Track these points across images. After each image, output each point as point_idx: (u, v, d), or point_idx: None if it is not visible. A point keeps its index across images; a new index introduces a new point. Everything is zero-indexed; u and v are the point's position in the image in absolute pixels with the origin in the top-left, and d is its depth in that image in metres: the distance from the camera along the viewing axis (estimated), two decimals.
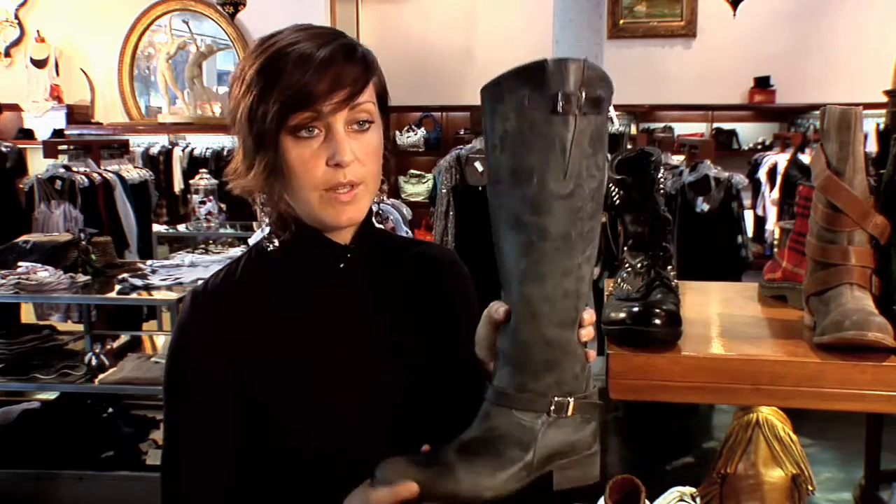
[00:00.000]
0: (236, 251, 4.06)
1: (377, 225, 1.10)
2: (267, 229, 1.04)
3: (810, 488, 1.39)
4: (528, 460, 0.81)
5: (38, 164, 5.14)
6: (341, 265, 1.02)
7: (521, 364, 0.82)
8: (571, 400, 0.83)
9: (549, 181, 0.77)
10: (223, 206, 4.94)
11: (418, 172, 7.14)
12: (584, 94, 0.77)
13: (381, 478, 0.81)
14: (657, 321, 1.05)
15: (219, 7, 6.13)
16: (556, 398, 0.82)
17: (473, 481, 0.79)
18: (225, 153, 6.12)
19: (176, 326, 1.00)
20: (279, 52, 0.92)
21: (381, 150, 0.99)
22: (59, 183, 4.28)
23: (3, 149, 4.83)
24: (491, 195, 0.82)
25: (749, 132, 7.19)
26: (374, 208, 1.05)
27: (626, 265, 1.21)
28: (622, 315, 1.09)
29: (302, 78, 0.90)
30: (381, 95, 1.00)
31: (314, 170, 0.93)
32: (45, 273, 3.16)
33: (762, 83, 6.84)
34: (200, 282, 1.03)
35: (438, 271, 1.12)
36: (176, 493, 0.99)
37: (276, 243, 1.02)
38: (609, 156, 1.01)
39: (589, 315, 0.87)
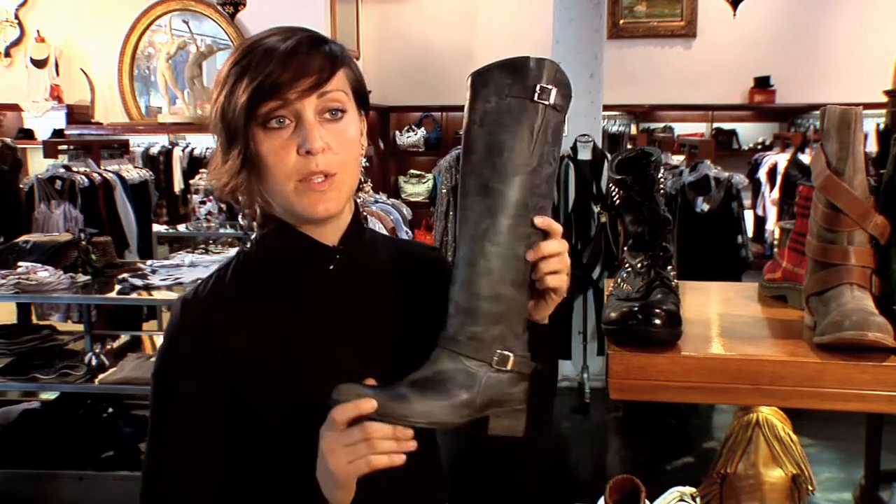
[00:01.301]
0: (236, 251, 4.06)
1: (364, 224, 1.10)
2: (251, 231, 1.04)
3: (810, 488, 1.39)
4: (471, 400, 0.90)
5: (38, 164, 5.14)
6: (330, 267, 1.02)
7: (473, 314, 0.91)
8: (512, 355, 0.91)
9: (516, 156, 0.90)
10: (223, 206, 4.94)
11: (418, 172, 7.15)
12: (554, 91, 0.90)
13: (339, 398, 0.87)
14: (657, 321, 1.05)
15: (219, 7, 6.13)
16: (499, 350, 0.91)
17: (424, 407, 0.88)
18: None
19: (165, 333, 1.00)
20: (248, 49, 0.94)
21: (357, 140, 0.98)
22: (59, 183, 4.29)
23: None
24: (463, 165, 0.93)
25: (749, 132, 7.19)
26: (360, 207, 1.05)
27: (626, 265, 1.21)
28: (622, 315, 1.09)
29: (266, 68, 0.91)
30: (358, 90, 1.00)
31: (285, 159, 0.93)
32: (45, 273, 3.16)
33: (762, 83, 6.84)
34: (189, 289, 1.03)
35: (425, 270, 1.11)
36: (158, 498, 0.99)
37: (252, 244, 1.02)
38: (609, 155, 1.04)
39: (552, 245, 0.91)
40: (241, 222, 1.03)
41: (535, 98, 0.89)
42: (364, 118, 1.02)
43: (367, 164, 1.11)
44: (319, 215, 0.96)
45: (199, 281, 1.04)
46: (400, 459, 0.87)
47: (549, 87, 0.90)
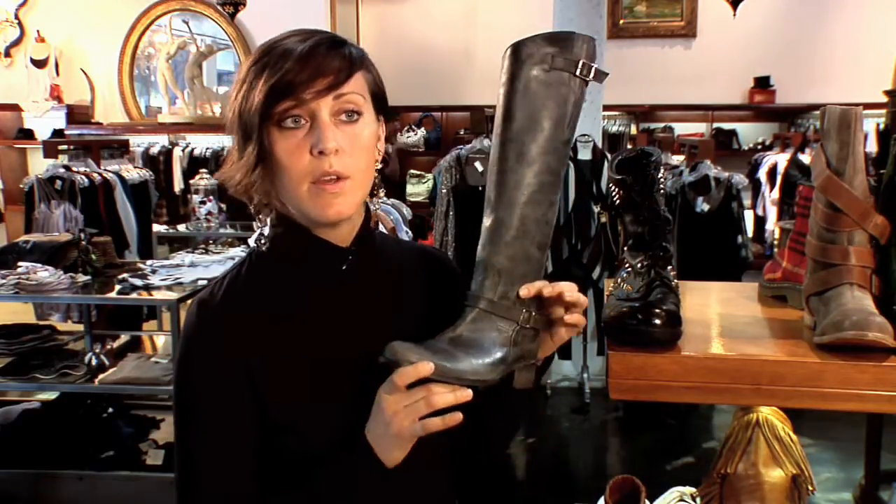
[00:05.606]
0: (236, 251, 4.06)
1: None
2: (264, 230, 1.04)
3: (810, 488, 1.38)
4: (505, 357, 0.94)
5: (38, 164, 5.14)
6: (343, 267, 1.02)
7: (508, 275, 0.95)
8: (533, 313, 0.96)
9: (556, 128, 0.94)
10: (223, 206, 4.94)
11: (418, 172, 7.13)
12: (593, 68, 0.95)
13: (395, 357, 0.91)
14: (657, 321, 1.05)
15: (219, 7, 6.13)
16: (524, 310, 0.95)
17: (471, 366, 0.92)
18: (225, 153, 6.12)
19: (182, 338, 1.00)
20: (267, 50, 0.95)
21: (372, 144, 0.99)
22: (59, 183, 4.29)
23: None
24: (502, 132, 0.96)
25: (749, 132, 7.18)
26: (372, 208, 1.06)
27: (626, 265, 1.21)
28: (622, 315, 1.09)
29: (283, 67, 0.91)
30: (376, 94, 1.00)
31: (299, 160, 0.93)
32: (45, 273, 3.16)
33: (762, 83, 6.84)
34: (204, 290, 1.03)
35: (433, 272, 1.13)
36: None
37: (266, 245, 1.02)
38: (609, 155, 1.07)
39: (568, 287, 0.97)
40: (257, 222, 1.03)
41: (577, 73, 0.93)
42: (384, 123, 1.03)
43: (381, 166, 1.11)
44: (331, 218, 0.96)
45: (213, 282, 1.04)
46: (456, 419, 0.91)
47: (591, 63, 0.94)
